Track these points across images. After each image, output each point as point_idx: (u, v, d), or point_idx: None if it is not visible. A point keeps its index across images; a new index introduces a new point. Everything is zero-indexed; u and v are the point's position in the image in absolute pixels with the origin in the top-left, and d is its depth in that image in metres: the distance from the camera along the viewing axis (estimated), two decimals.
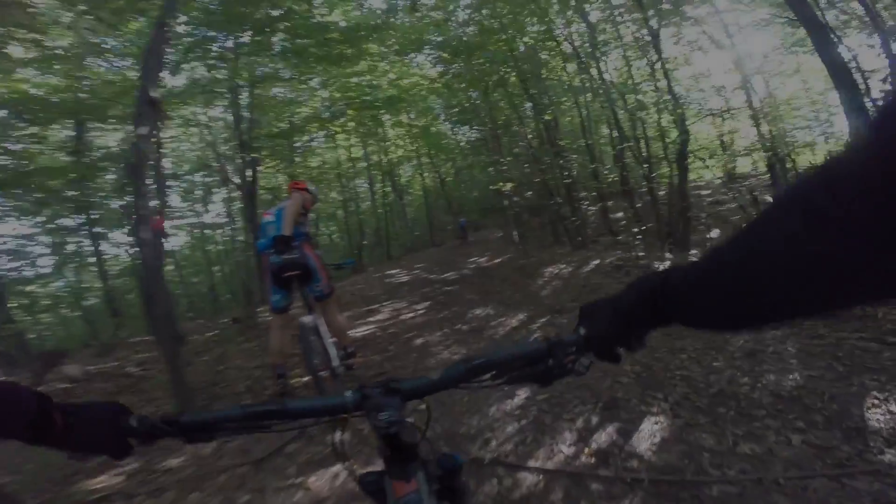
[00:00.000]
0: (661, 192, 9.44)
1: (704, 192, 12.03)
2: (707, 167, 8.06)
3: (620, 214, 9.91)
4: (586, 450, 2.09)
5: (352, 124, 12.64)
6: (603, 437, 2.18)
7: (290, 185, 3.50)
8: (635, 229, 8.10)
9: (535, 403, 2.63)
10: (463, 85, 9.70)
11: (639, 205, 9.87)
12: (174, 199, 14.40)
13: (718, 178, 13.27)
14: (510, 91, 9.49)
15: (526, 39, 8.14)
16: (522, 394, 2.76)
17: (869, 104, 3.70)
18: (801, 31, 8.76)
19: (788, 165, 7.67)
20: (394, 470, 0.65)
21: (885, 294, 0.34)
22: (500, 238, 13.83)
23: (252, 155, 9.89)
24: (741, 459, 1.89)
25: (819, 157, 8.15)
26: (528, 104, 9.68)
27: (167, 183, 12.72)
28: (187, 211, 15.81)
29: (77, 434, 0.59)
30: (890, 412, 2.03)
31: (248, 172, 9.87)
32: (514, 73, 8.83)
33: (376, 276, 11.16)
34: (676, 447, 2.03)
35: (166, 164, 12.61)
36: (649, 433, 2.17)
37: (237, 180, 10.50)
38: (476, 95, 9.95)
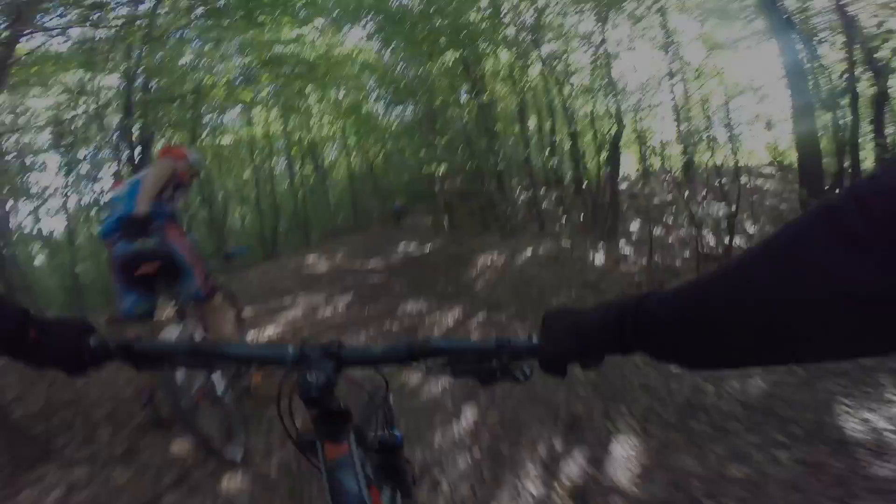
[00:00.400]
0: (587, 184, 9.62)
1: (622, 187, 12.55)
2: (657, 160, 8.23)
3: (549, 205, 9.94)
4: (558, 486, 1.73)
5: (265, 94, 11.36)
6: (573, 468, 1.84)
7: (161, 151, 2.60)
8: (564, 219, 8.11)
9: (486, 426, 2.23)
10: (402, 53, 9.00)
11: (567, 195, 10.00)
12: (48, 177, 12.04)
13: (636, 171, 14.07)
14: (448, 68, 8.98)
15: (472, 17, 7.65)
16: (470, 416, 2.35)
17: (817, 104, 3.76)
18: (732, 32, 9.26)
19: (701, 162, 8.03)
20: (322, 431, 0.63)
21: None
22: (429, 224, 13.40)
23: (145, 124, 8.49)
24: (734, 485, 1.64)
25: (728, 159, 8.67)
26: (466, 85, 9.26)
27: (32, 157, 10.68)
28: (68, 189, 13.30)
29: (45, 349, 0.59)
30: (864, 420, 1.91)
31: (139, 150, 8.47)
32: (457, 49, 8.32)
33: (291, 265, 10.08)
34: (659, 475, 1.74)
35: (45, 137, 10.57)
36: (624, 458, 1.86)
37: (126, 154, 9.00)
38: (413, 75, 9.33)
